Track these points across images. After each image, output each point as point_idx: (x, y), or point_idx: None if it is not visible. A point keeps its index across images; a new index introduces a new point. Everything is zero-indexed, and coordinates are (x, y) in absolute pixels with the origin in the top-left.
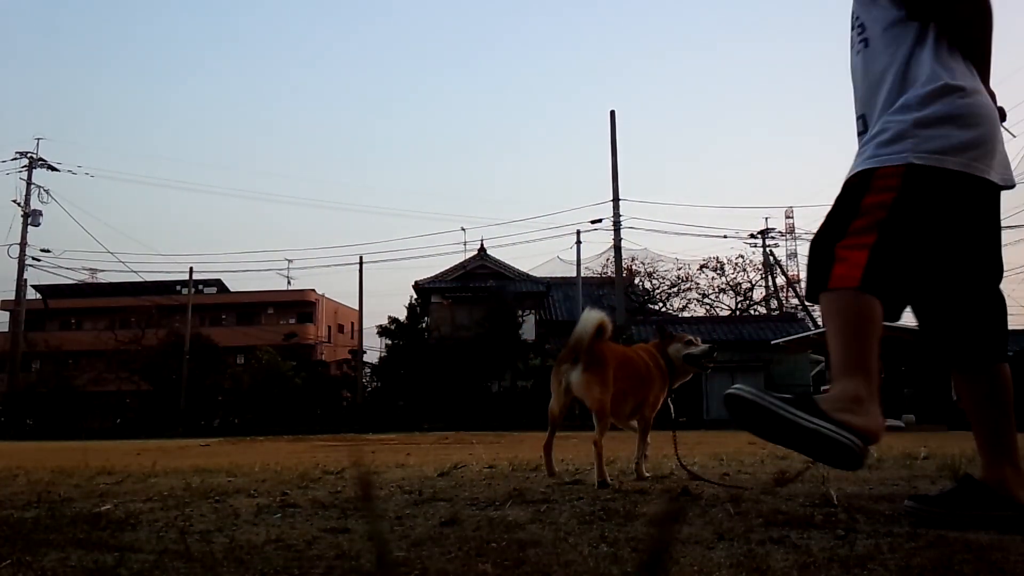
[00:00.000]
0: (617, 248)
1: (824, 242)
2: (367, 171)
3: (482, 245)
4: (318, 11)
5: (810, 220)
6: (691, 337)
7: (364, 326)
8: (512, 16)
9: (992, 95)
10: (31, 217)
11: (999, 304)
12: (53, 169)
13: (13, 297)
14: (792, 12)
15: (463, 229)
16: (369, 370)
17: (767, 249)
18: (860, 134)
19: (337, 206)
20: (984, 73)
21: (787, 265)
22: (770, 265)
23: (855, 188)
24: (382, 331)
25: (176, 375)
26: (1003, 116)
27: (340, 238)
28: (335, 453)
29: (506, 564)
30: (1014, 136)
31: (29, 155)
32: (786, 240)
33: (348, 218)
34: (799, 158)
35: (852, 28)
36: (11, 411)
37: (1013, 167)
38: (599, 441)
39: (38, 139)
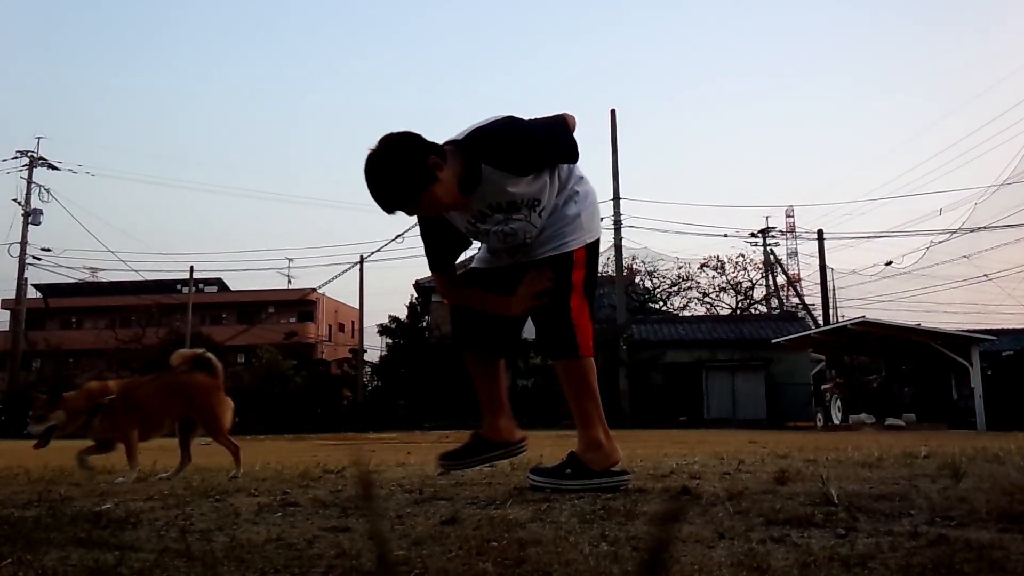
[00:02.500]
0: (618, 247)
1: (560, 314)
2: None
3: None
4: (317, 9)
5: (811, 219)
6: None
7: (365, 325)
8: (512, 14)
9: None
10: (32, 216)
11: None
12: (54, 168)
13: (14, 296)
14: (791, 12)
15: None
16: (370, 369)
17: (767, 248)
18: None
19: (337, 205)
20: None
21: (787, 264)
22: (770, 264)
23: (563, 266)
24: (383, 330)
25: None
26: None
27: (340, 237)
28: (336, 452)
29: (507, 563)
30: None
31: (29, 154)
32: (786, 239)
33: (348, 217)
34: (800, 157)
35: (533, 210)
36: (11, 410)
37: (1013, 167)
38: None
39: (38, 138)
